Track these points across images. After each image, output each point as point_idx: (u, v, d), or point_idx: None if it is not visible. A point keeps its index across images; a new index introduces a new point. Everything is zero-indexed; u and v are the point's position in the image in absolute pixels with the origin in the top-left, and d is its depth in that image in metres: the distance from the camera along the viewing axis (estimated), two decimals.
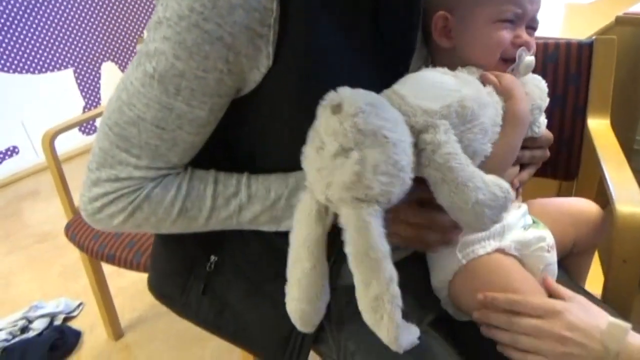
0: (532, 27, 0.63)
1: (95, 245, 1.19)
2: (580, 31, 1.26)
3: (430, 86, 0.53)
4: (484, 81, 0.59)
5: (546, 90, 0.66)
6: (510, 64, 0.61)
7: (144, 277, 1.19)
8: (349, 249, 0.47)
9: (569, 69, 0.93)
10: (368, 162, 0.45)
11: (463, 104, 0.52)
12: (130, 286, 1.68)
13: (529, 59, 0.61)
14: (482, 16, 0.59)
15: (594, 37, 0.92)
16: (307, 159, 0.50)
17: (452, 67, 0.60)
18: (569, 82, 0.94)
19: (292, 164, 0.55)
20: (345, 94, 0.47)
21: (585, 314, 0.56)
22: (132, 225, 0.58)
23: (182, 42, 0.48)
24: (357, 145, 0.46)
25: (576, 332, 0.54)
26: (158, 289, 0.77)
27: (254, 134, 0.58)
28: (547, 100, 0.65)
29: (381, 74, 0.55)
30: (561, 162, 0.96)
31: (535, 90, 0.64)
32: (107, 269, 1.33)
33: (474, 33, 0.60)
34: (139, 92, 0.52)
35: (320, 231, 0.51)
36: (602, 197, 0.93)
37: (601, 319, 0.55)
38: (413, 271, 0.65)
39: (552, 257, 0.67)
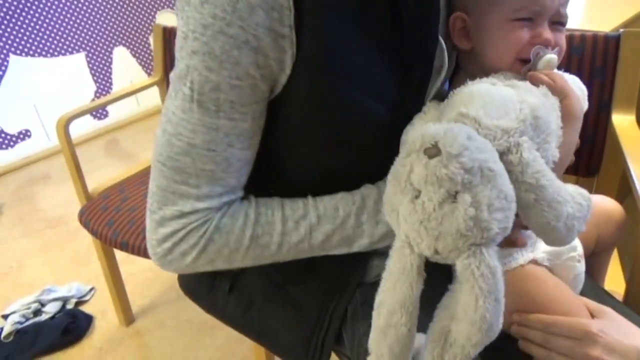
0: (559, 22, 0.59)
1: (109, 232, 1.19)
2: (605, 22, 1.23)
3: (497, 102, 0.50)
4: (535, 82, 0.56)
5: (586, 92, 0.63)
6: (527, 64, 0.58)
7: (154, 264, 1.20)
8: (465, 298, 0.42)
9: (594, 63, 0.91)
10: (482, 203, 0.42)
11: (535, 115, 0.49)
12: (140, 273, 1.69)
13: (549, 56, 0.57)
14: (497, 15, 0.57)
15: (621, 30, 0.90)
16: (399, 212, 0.46)
17: (476, 69, 0.58)
18: (594, 76, 0.92)
19: (321, 168, 0.55)
20: (437, 133, 0.43)
21: (620, 334, 0.55)
22: (205, 261, 0.56)
23: (210, 52, 0.47)
24: (465, 187, 0.42)
25: (614, 354, 0.53)
26: (186, 285, 0.77)
27: (281, 139, 0.57)
28: (587, 103, 0.63)
29: (398, 69, 0.53)
30: (583, 157, 0.94)
31: (577, 92, 0.61)
32: (119, 255, 1.34)
33: (490, 34, 0.58)
34: (182, 119, 0.50)
35: (420, 288, 0.46)
36: (622, 194, 0.92)
37: (637, 338, 0.54)
38: (441, 283, 0.64)
39: (582, 266, 0.66)
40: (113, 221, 1.21)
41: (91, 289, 1.65)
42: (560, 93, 0.55)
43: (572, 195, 0.47)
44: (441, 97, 0.58)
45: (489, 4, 0.57)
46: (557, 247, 0.59)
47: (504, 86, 0.53)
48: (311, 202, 0.58)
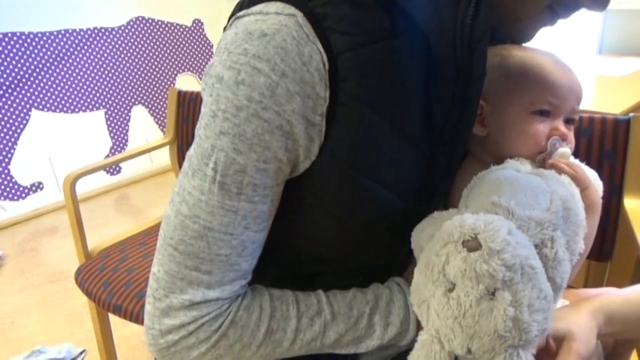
0: (572, 119, 0.59)
1: (103, 294, 1.16)
2: (613, 105, 1.23)
3: (527, 191, 0.48)
4: (558, 170, 0.55)
5: (602, 186, 0.62)
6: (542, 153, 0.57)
7: None
8: None
9: (603, 146, 0.90)
10: (523, 303, 0.40)
11: (567, 207, 0.47)
12: (133, 336, 1.64)
13: (564, 150, 0.57)
14: (516, 106, 0.57)
15: (631, 115, 0.89)
16: (430, 304, 0.44)
17: (486, 155, 0.57)
18: (604, 158, 0.90)
19: (331, 257, 0.53)
20: (476, 225, 0.41)
21: None
22: (212, 357, 0.52)
23: (242, 134, 0.45)
24: (505, 284, 0.40)
25: None
26: None
27: (292, 225, 0.55)
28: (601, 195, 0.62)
29: (422, 165, 0.52)
30: (595, 242, 0.91)
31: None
32: (114, 316, 1.30)
33: (508, 124, 0.57)
34: (200, 200, 0.47)
35: None
36: (637, 279, 0.87)
37: None
38: None
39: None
40: (109, 282, 1.19)
41: (82, 352, 1.59)
42: (581, 183, 0.54)
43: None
44: None
45: (508, 94, 0.57)
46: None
47: (530, 174, 0.52)
48: (324, 298, 0.55)
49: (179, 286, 0.49)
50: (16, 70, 2.44)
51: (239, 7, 0.51)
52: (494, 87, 0.57)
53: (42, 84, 2.54)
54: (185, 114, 1.55)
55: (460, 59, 0.48)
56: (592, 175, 0.60)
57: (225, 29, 0.52)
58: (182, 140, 1.56)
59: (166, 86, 3.07)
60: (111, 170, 2.89)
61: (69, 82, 2.64)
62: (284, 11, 0.45)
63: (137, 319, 1.10)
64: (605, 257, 0.92)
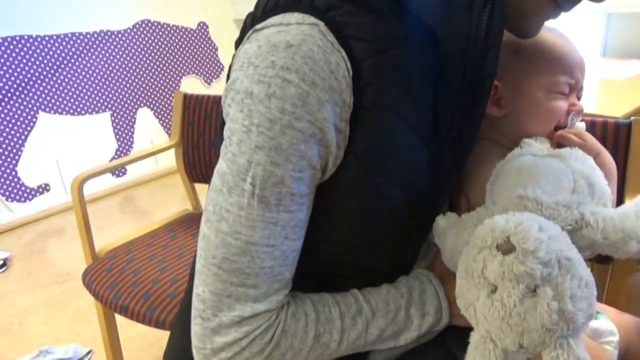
0: (579, 95, 0.62)
1: (110, 295, 1.18)
2: (616, 108, 1.24)
3: (550, 177, 0.49)
4: (566, 142, 0.56)
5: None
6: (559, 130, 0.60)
7: (154, 329, 1.17)
8: None
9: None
10: (565, 294, 0.41)
11: (590, 182, 0.49)
12: (139, 337, 1.65)
13: (581, 124, 0.60)
14: (537, 86, 0.58)
15: (632, 118, 0.90)
16: (476, 307, 0.45)
17: (501, 136, 0.58)
18: None
19: (351, 257, 0.55)
20: (507, 227, 0.42)
21: None
22: None
23: (277, 146, 0.45)
24: (545, 280, 0.41)
25: None
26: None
27: (315, 228, 0.55)
28: None
29: (433, 162, 0.54)
30: None
31: None
32: (120, 316, 1.31)
33: (530, 103, 0.58)
34: (240, 216, 0.48)
35: None
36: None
37: None
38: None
39: (615, 356, 0.62)
40: (116, 283, 1.20)
41: (89, 352, 1.61)
42: (592, 151, 0.56)
43: None
44: None
45: (527, 74, 0.58)
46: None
47: (547, 157, 0.53)
48: (361, 297, 0.56)
49: (226, 304, 0.50)
50: (23, 73, 2.47)
51: (252, 20, 0.52)
52: (508, 66, 0.58)
53: (49, 87, 2.57)
54: (191, 117, 1.57)
55: (471, 61, 0.49)
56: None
57: (238, 42, 0.52)
58: (187, 142, 1.58)
59: (171, 89, 3.09)
60: (117, 172, 2.92)
61: (75, 85, 2.66)
62: (305, 21, 0.46)
63: (144, 319, 1.12)
64: (607, 259, 0.93)
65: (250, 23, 0.52)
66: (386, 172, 0.50)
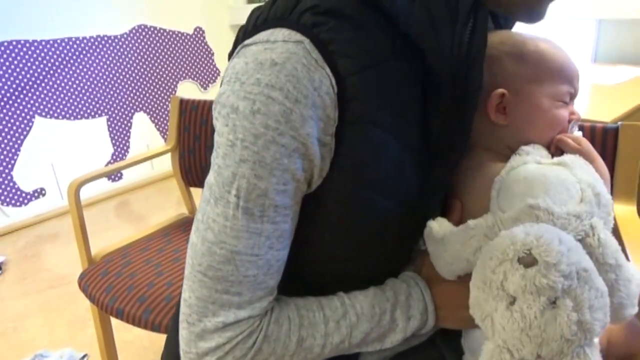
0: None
1: (106, 299, 1.18)
2: (606, 113, 1.26)
3: (558, 186, 0.50)
4: (564, 146, 0.58)
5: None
6: None
7: (150, 333, 1.18)
8: None
9: None
10: (583, 306, 0.42)
11: (596, 191, 0.50)
12: (136, 341, 1.65)
13: (579, 132, 0.61)
14: (543, 95, 0.59)
15: (619, 123, 0.92)
16: (494, 318, 0.46)
17: (500, 144, 0.59)
18: None
19: (340, 266, 0.56)
20: (528, 240, 0.43)
21: None
22: None
23: (261, 160, 0.47)
24: (565, 292, 0.42)
25: None
26: None
27: (303, 238, 0.56)
28: None
29: (421, 172, 0.55)
30: None
31: None
32: (115, 320, 1.32)
33: (536, 111, 0.59)
34: (225, 226, 0.49)
35: None
36: None
37: None
38: None
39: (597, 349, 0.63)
40: (112, 287, 1.21)
41: (84, 356, 1.61)
42: (588, 156, 0.57)
43: (636, 271, 0.49)
44: None
45: (533, 84, 0.59)
46: (615, 323, 0.57)
47: (553, 165, 0.54)
48: (347, 300, 0.57)
49: (211, 310, 0.51)
50: (20, 77, 2.48)
51: (243, 34, 0.53)
52: (514, 75, 0.59)
53: (45, 91, 2.58)
54: (187, 121, 1.58)
55: (457, 74, 0.51)
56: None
57: (230, 55, 0.54)
58: (183, 147, 1.59)
59: (168, 93, 3.10)
60: (113, 177, 2.92)
61: (71, 90, 2.67)
62: (291, 38, 0.47)
63: (139, 322, 1.12)
64: None
65: (241, 37, 0.53)
66: (374, 186, 0.51)
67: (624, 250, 0.79)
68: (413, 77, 0.52)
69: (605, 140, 0.92)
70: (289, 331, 0.54)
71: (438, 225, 0.57)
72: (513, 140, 0.60)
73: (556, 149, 0.60)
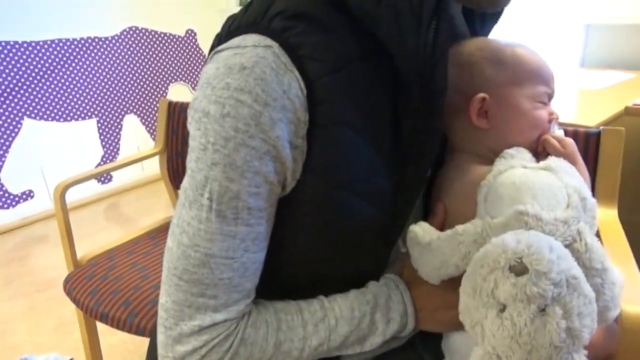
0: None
1: (90, 302, 1.17)
2: (591, 118, 1.27)
3: (545, 192, 0.50)
4: (548, 147, 0.58)
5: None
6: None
7: (134, 336, 1.17)
8: None
9: None
10: (572, 313, 0.43)
11: (582, 196, 0.50)
12: (121, 344, 1.64)
13: (559, 132, 0.62)
14: (523, 97, 0.60)
15: (601, 128, 0.93)
16: (483, 325, 0.46)
17: (483, 148, 0.60)
18: None
19: (317, 269, 0.56)
20: (519, 249, 0.44)
21: None
22: None
23: (232, 163, 0.47)
24: (554, 300, 0.43)
25: None
26: None
27: (280, 241, 0.57)
28: None
29: (394, 176, 0.55)
30: None
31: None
32: (101, 324, 1.31)
33: (517, 114, 0.60)
34: (199, 229, 0.50)
35: None
36: None
37: None
38: None
39: None
40: (97, 290, 1.20)
41: None
42: (571, 158, 0.58)
43: (618, 274, 0.50)
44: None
45: (512, 86, 0.60)
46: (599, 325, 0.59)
47: (539, 170, 0.54)
48: (327, 303, 0.57)
49: (187, 313, 0.51)
50: (9, 78, 2.46)
51: (218, 41, 0.54)
52: (493, 79, 0.60)
53: (34, 93, 2.56)
54: (175, 124, 1.58)
55: (423, 76, 0.51)
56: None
57: (206, 61, 0.54)
58: (171, 150, 1.58)
59: (158, 95, 3.09)
60: (102, 179, 2.91)
61: (61, 91, 2.66)
62: (260, 43, 0.48)
63: (124, 326, 1.12)
64: None
65: (216, 44, 0.54)
66: (346, 187, 0.51)
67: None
68: (382, 78, 0.52)
69: (587, 145, 0.93)
70: (267, 334, 0.54)
71: (422, 230, 0.58)
72: (496, 143, 0.60)
73: (543, 150, 0.60)
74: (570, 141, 0.60)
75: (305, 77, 0.48)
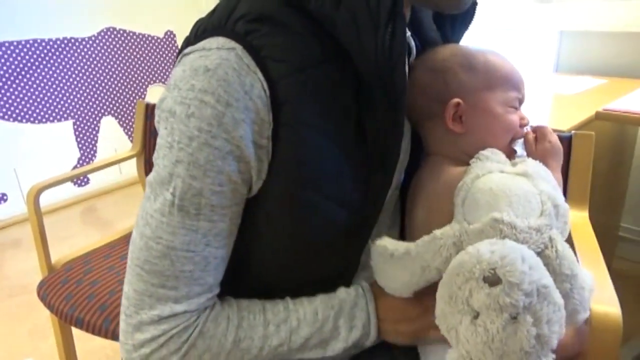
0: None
1: (65, 308, 1.15)
2: (563, 122, 1.30)
3: (521, 199, 0.52)
4: (527, 145, 0.63)
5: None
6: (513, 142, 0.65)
7: (113, 342, 1.16)
8: None
9: None
10: (542, 320, 0.45)
11: (555, 203, 0.52)
12: (99, 350, 1.62)
13: (531, 135, 0.65)
14: (495, 102, 0.62)
15: (572, 132, 0.95)
16: (458, 331, 0.48)
17: (458, 151, 0.61)
18: None
19: (287, 264, 0.56)
20: (493, 260, 0.46)
21: None
22: None
23: (195, 161, 0.49)
24: (525, 309, 0.45)
25: None
26: None
27: (248, 241, 0.58)
28: None
29: (361, 177, 0.56)
30: None
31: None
32: (77, 330, 1.29)
33: (491, 118, 0.62)
34: (162, 222, 0.51)
35: None
36: None
37: None
38: None
39: None
40: (72, 295, 1.18)
41: None
42: (556, 156, 0.63)
43: (589, 278, 0.52)
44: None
45: (485, 91, 0.62)
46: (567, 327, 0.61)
47: (516, 176, 0.55)
48: (291, 305, 0.58)
49: (147, 303, 0.53)
50: None
51: (186, 44, 0.55)
52: (468, 85, 0.61)
53: (8, 94, 2.51)
54: (153, 126, 1.55)
55: (383, 78, 0.52)
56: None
57: (175, 64, 0.55)
58: (149, 152, 1.57)
59: (137, 97, 3.05)
60: (79, 182, 2.86)
61: (36, 92, 2.61)
62: (224, 46, 0.49)
63: (100, 331, 1.10)
64: None
65: (185, 46, 0.55)
66: (312, 186, 0.52)
67: (575, 254, 0.82)
68: (346, 80, 0.53)
69: None
70: (226, 330, 0.55)
71: (391, 244, 0.58)
72: (470, 146, 0.62)
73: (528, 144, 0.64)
74: (555, 137, 0.63)
75: (269, 77, 0.49)
